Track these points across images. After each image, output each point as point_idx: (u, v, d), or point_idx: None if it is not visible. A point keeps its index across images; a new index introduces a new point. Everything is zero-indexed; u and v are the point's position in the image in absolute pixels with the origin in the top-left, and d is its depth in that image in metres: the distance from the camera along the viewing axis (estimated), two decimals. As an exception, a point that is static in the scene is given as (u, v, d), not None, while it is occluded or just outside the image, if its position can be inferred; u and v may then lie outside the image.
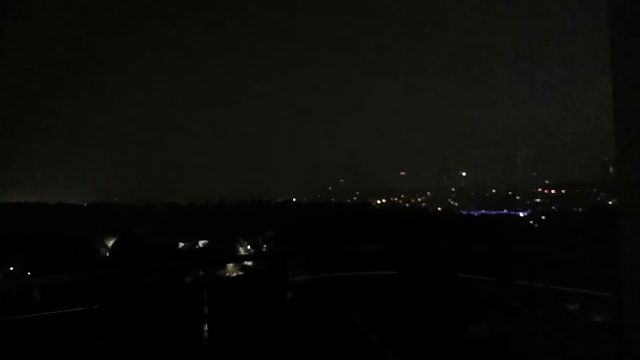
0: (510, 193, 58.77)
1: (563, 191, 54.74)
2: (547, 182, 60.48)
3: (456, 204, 59.70)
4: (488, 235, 29.46)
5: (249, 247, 43.57)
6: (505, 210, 51.87)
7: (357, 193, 70.72)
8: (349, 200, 63.28)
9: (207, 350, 3.15)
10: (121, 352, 2.87)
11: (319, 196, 69.73)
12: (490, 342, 3.15)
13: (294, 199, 65.22)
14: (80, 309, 3.75)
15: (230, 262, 21.92)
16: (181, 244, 41.68)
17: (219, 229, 43.42)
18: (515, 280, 4.49)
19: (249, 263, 22.20)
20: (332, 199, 64.10)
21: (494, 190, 62.07)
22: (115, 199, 63.36)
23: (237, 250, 42.66)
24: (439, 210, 52.90)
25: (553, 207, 50.68)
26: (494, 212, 50.58)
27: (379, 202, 62.55)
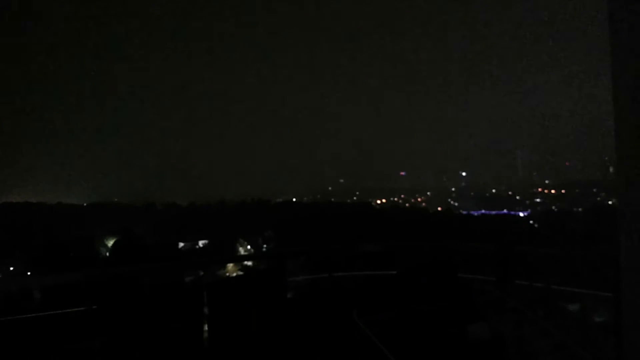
0: (510, 193, 58.74)
1: (563, 191, 54.72)
2: (547, 182, 60.48)
3: (456, 204, 59.67)
4: (488, 235, 29.44)
5: (249, 247, 43.55)
6: (505, 210, 51.84)
7: (357, 193, 70.65)
8: (349, 200, 63.21)
9: (207, 350, 3.14)
10: (121, 352, 2.87)
11: (319, 196, 69.67)
12: (490, 342, 3.15)
13: (294, 199, 65.17)
14: (80, 309, 3.75)
15: (230, 262, 21.89)
16: (181, 244, 41.67)
17: (219, 229, 43.42)
18: (515, 280, 4.49)
19: (249, 263, 22.19)
20: (332, 199, 64.06)
21: (494, 190, 62.02)
22: (115, 199, 63.28)
23: (237, 250, 42.64)
24: (439, 210, 52.89)
25: (553, 207, 50.66)
26: (494, 212, 50.57)
27: (379, 202, 62.52)
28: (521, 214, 49.81)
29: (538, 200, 55.07)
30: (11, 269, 34.63)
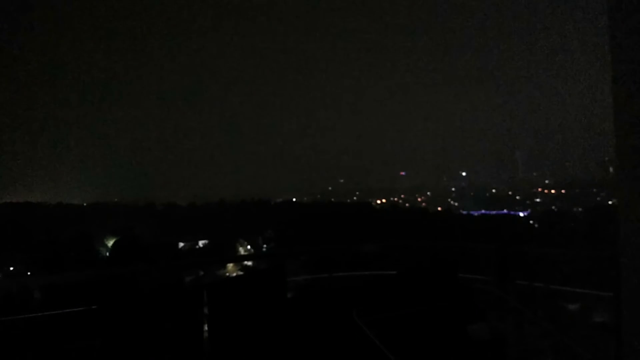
0: (510, 193, 58.76)
1: (563, 191, 54.74)
2: (547, 182, 60.53)
3: (456, 204, 59.74)
4: (488, 235, 29.43)
5: (249, 247, 43.55)
6: (505, 210, 51.86)
7: (357, 193, 70.70)
8: (349, 200, 63.26)
9: (207, 350, 3.14)
10: (121, 352, 2.87)
11: (319, 196, 69.77)
12: (490, 342, 3.15)
13: (294, 199, 65.18)
14: (80, 309, 3.75)
15: (230, 262, 21.88)
16: (181, 244, 41.65)
17: (219, 229, 43.41)
18: (515, 280, 4.49)
19: (249, 263, 22.17)
20: (332, 199, 64.14)
21: (494, 190, 62.06)
22: (115, 199, 63.35)
23: (237, 250, 42.64)
24: (439, 210, 52.92)
25: (553, 207, 50.68)
26: (494, 212, 50.61)
27: (379, 202, 62.54)
28: (521, 214, 49.81)
29: (538, 200, 55.08)
30: (11, 269, 34.62)
